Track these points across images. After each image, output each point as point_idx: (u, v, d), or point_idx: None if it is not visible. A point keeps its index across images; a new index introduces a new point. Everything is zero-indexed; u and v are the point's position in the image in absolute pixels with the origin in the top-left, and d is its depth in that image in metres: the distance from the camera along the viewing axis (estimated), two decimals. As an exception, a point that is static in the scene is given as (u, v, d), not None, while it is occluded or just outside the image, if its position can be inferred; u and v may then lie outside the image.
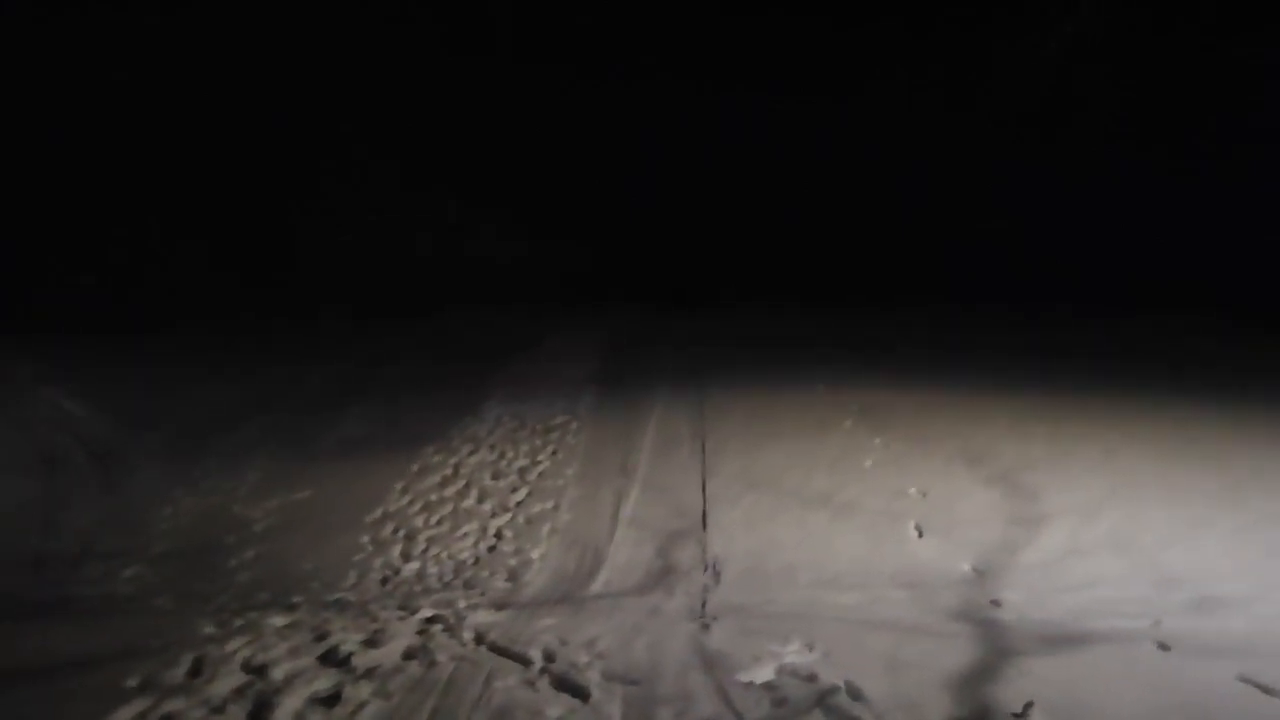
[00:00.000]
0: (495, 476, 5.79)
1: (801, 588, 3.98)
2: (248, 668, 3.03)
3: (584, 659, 3.08)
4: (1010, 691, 2.75)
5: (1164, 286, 9.98)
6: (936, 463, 5.34)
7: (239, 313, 11.21)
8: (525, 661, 3.08)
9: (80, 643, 3.31)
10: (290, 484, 5.82)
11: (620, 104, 12.61)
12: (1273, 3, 10.26)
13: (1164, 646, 3.09)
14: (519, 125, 12.82)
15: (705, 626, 3.38)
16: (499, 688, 2.86)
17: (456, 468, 5.98)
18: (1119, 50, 11.29)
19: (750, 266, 12.73)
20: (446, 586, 4.25)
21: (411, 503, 5.41)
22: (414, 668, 3.01)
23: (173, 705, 2.73)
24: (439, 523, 5.12)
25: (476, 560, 4.61)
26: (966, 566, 4.08)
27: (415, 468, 5.98)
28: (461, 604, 3.83)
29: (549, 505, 5.27)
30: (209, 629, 3.41)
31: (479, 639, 3.30)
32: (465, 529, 5.02)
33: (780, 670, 2.95)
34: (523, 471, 5.85)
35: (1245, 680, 2.80)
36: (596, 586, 4.10)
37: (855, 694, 2.77)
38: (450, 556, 4.67)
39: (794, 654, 3.06)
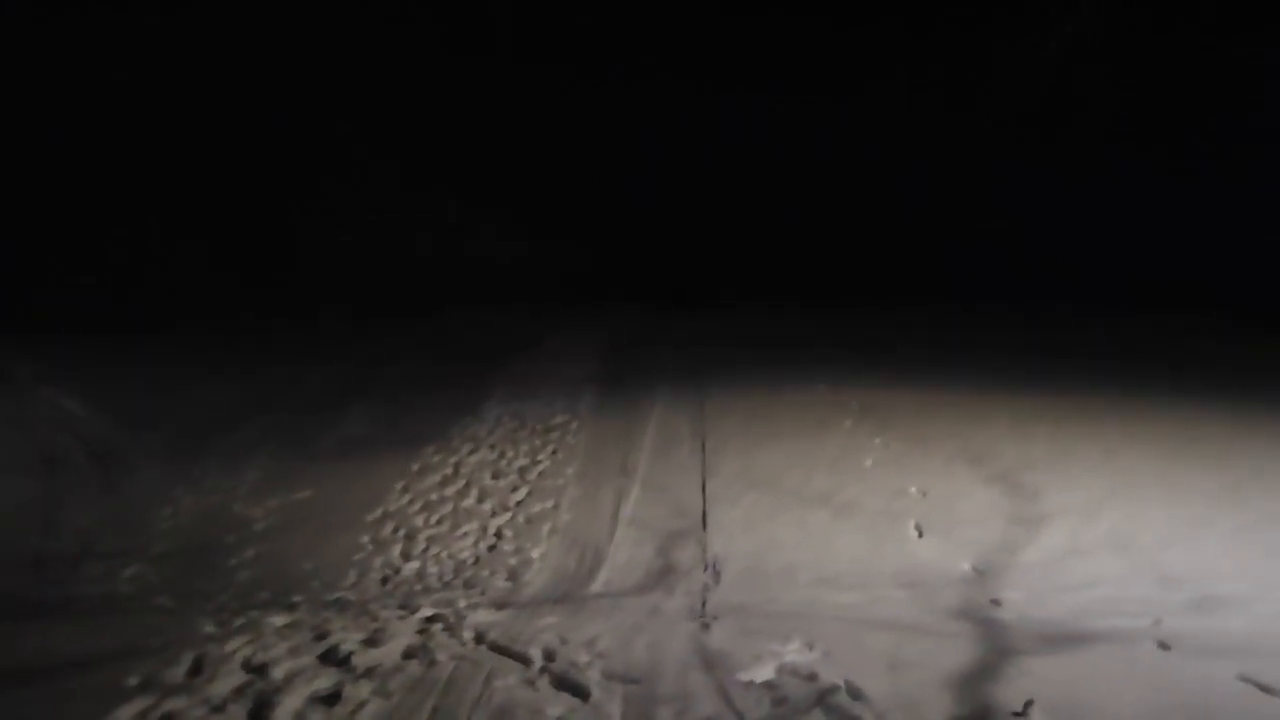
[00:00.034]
0: (495, 476, 5.79)
1: (802, 587, 3.98)
2: (248, 667, 3.03)
3: (584, 658, 3.08)
4: (1010, 691, 2.75)
5: (1164, 286, 9.97)
6: (937, 462, 5.34)
7: (239, 313, 11.21)
8: (525, 661, 3.08)
9: (80, 642, 3.31)
10: (290, 483, 5.82)
11: (620, 104, 12.60)
12: (1273, 3, 10.26)
13: (1164, 646, 3.09)
14: (519, 125, 12.81)
15: (705, 626, 3.38)
16: (499, 687, 2.86)
17: (456, 467, 5.98)
18: (1119, 50, 11.28)
19: (750, 266, 12.73)
20: (446, 586, 4.25)
21: (411, 502, 5.41)
22: (414, 667, 3.01)
23: (173, 704, 2.73)
24: (439, 522, 5.12)
25: (477, 560, 4.61)
26: (967, 566, 4.08)
27: (415, 467, 5.98)
28: (462, 603, 3.83)
29: (549, 505, 5.27)
30: (209, 628, 3.41)
31: (479, 638, 3.30)
32: (465, 528, 5.02)
33: (780, 669, 2.95)
34: (523, 471, 5.85)
35: (1245, 680, 2.80)
36: (596, 586, 4.11)
37: (855, 693, 2.77)
38: (450, 556, 4.68)
39: (794, 653, 3.06)
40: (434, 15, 12.48)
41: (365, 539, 4.91)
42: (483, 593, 4.07)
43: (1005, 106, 12.02)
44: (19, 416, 7.00)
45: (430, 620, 3.52)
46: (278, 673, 2.97)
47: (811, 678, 2.88)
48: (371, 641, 3.24)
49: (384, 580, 4.39)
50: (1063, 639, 3.17)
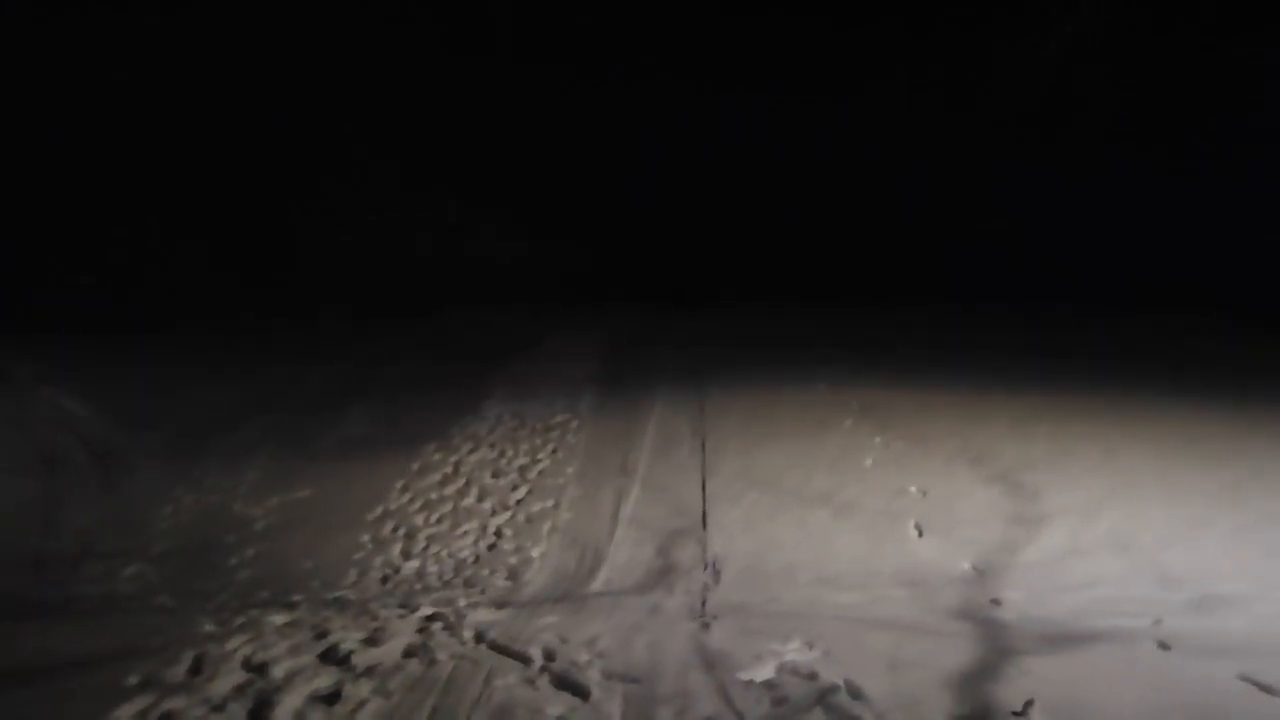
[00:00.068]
0: (495, 475, 5.80)
1: (802, 586, 3.98)
2: (248, 666, 3.03)
3: (584, 657, 3.08)
4: (1011, 690, 2.75)
5: (1164, 286, 9.96)
6: (937, 462, 5.34)
7: (239, 313, 11.21)
8: (525, 660, 3.08)
9: (81, 642, 3.31)
10: (290, 483, 5.83)
11: (620, 104, 12.60)
12: (1273, 3, 10.26)
13: (1164, 646, 3.09)
14: (519, 125, 12.81)
15: (705, 625, 3.38)
16: (499, 686, 2.86)
17: (456, 466, 5.98)
18: (1119, 50, 11.28)
19: (750, 266, 12.72)
20: (446, 585, 4.25)
21: (412, 501, 5.41)
22: (414, 666, 3.01)
23: (173, 703, 2.73)
24: (439, 521, 5.12)
25: (477, 559, 4.61)
26: (967, 565, 4.08)
27: (415, 466, 5.98)
28: (462, 602, 3.84)
29: (549, 504, 5.27)
30: (209, 627, 3.41)
31: (479, 637, 3.30)
32: (465, 527, 5.02)
33: (780, 669, 2.95)
34: (523, 470, 5.85)
35: (1246, 679, 2.80)
36: (597, 585, 4.11)
37: (855, 693, 2.77)
38: (450, 555, 4.68)
39: (794, 653, 3.06)
40: (434, 15, 12.47)
41: (365, 538, 4.91)
42: (483, 592, 4.07)
43: (1005, 106, 12.02)
44: (19, 416, 7.01)
45: (430, 619, 3.52)
46: (278, 672, 2.97)
47: (811, 677, 2.88)
48: (371, 640, 3.24)
49: (384, 579, 4.39)
50: (1063, 639, 3.17)
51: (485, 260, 13.03)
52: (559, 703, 2.75)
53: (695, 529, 4.71)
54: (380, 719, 2.67)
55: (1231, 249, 10.16)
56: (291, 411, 7.44)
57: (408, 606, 3.74)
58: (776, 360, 8.37)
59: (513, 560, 4.55)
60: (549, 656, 3.11)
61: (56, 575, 4.61)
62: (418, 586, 4.25)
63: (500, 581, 4.26)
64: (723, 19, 12.45)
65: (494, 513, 5.21)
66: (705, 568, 4.22)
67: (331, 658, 3.10)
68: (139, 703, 2.73)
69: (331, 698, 2.80)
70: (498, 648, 3.19)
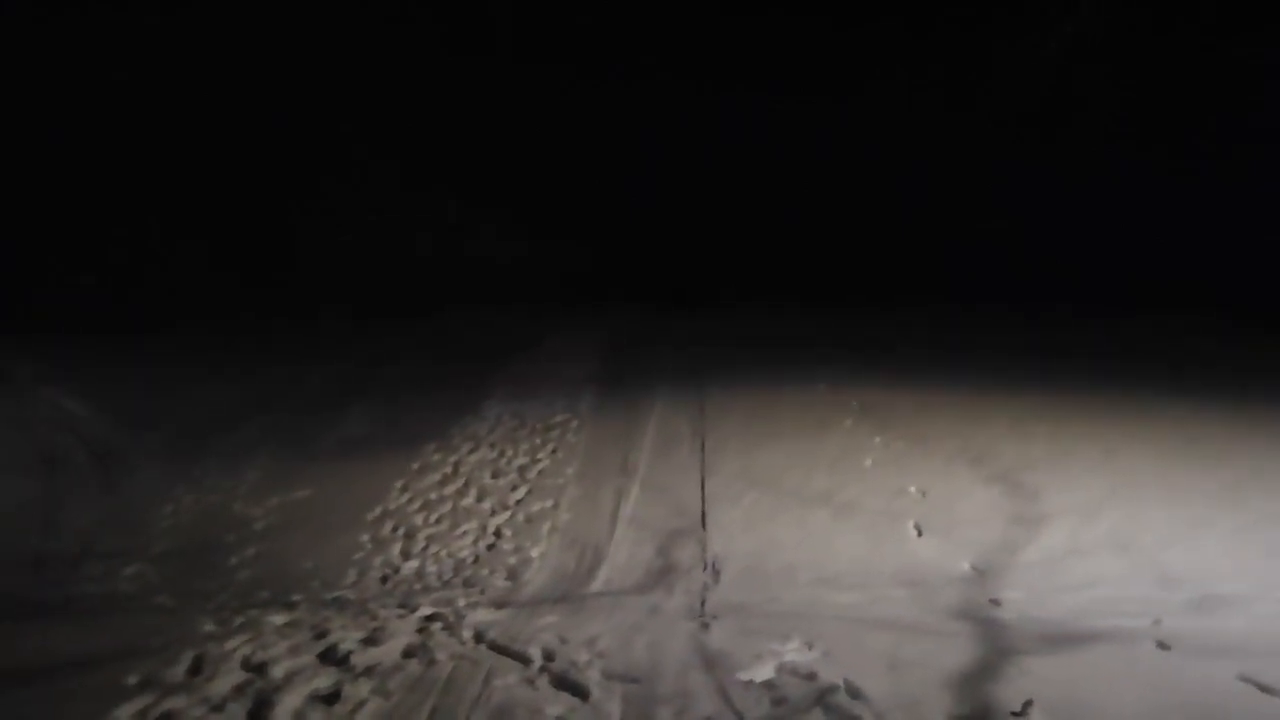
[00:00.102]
0: (495, 475, 5.79)
1: (801, 586, 3.98)
2: (248, 665, 3.03)
3: (584, 657, 3.08)
4: (1010, 690, 2.75)
5: (1164, 286, 9.96)
6: (936, 462, 5.34)
7: (239, 313, 11.21)
8: (525, 660, 3.08)
9: (81, 642, 3.31)
10: (290, 483, 5.83)
11: (620, 104, 12.59)
12: (1273, 3, 10.26)
13: (1164, 646, 3.09)
14: (519, 125, 12.81)
15: (705, 625, 3.38)
16: (498, 686, 2.86)
17: (456, 466, 5.98)
18: (1119, 50, 11.28)
19: (750, 266, 12.72)
20: (446, 585, 4.25)
21: (411, 501, 5.41)
22: (413, 666, 3.01)
23: (173, 703, 2.73)
24: (439, 521, 5.12)
25: (476, 559, 4.61)
26: (966, 565, 4.08)
27: (415, 466, 5.98)
28: (461, 602, 3.84)
29: (549, 504, 5.27)
30: (209, 627, 3.41)
31: (478, 637, 3.30)
32: (465, 527, 5.02)
33: (780, 669, 2.95)
34: (523, 470, 5.85)
35: (1245, 679, 2.80)
36: (596, 585, 4.11)
37: (855, 693, 2.77)
38: (450, 555, 4.68)
39: (794, 653, 3.06)
40: (434, 15, 12.47)
41: (365, 538, 4.91)
42: (482, 592, 4.07)
43: (1005, 106, 12.01)
44: (19, 416, 7.01)
45: (430, 619, 3.52)
46: (277, 671, 2.97)
47: (811, 677, 2.88)
48: (371, 640, 3.24)
49: (383, 579, 4.39)
50: (1063, 639, 3.17)
51: (485, 260, 13.03)
52: (558, 703, 2.75)
53: (695, 529, 4.71)
54: (379, 719, 2.67)
55: (1231, 249, 10.16)
56: (291, 411, 7.44)
57: (407, 606, 3.74)
58: (776, 360, 8.37)
59: (512, 560, 4.55)
60: (548, 656, 3.11)
61: (56, 575, 4.61)
62: (417, 586, 4.25)
63: (500, 581, 4.26)
64: (723, 19, 12.44)
65: (493, 513, 5.21)
66: (705, 568, 4.22)
67: (331, 658, 3.10)
68: (139, 702, 2.73)
69: (331, 698, 2.80)
70: (497, 648, 3.19)
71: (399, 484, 5.68)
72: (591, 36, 12.61)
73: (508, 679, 2.91)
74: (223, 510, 5.49)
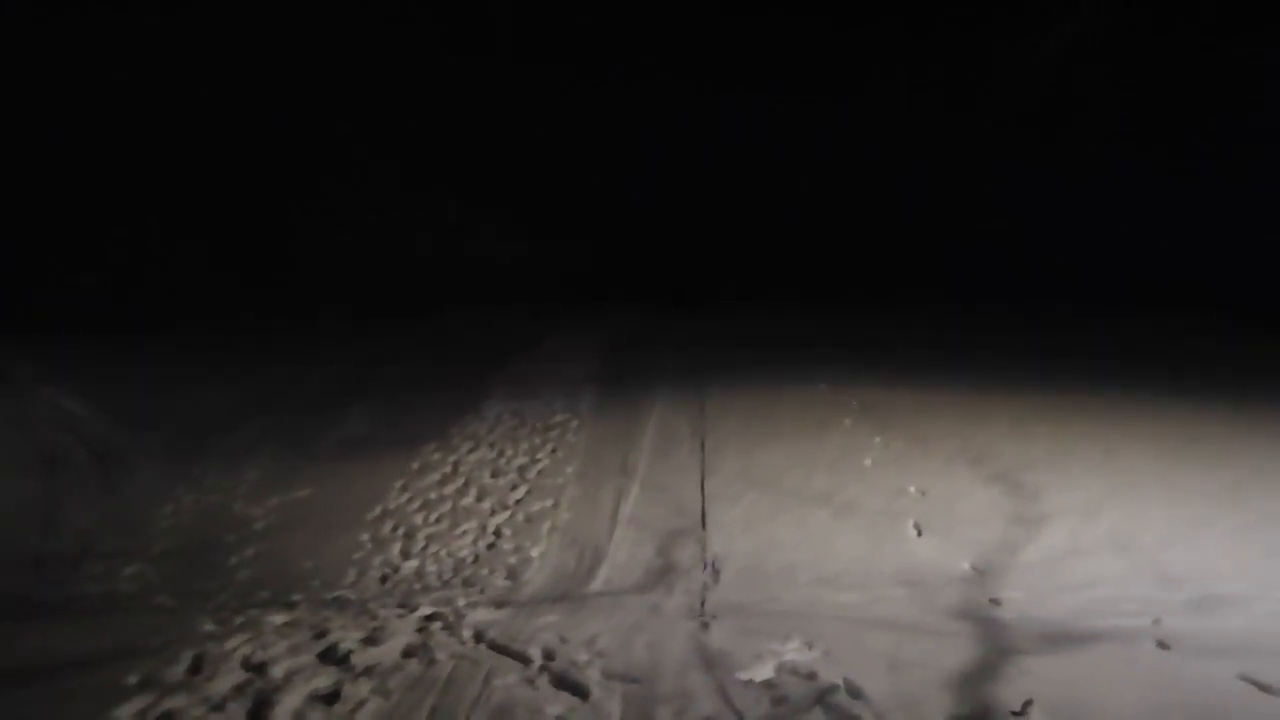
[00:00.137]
0: (495, 474, 5.79)
1: (801, 586, 3.98)
2: (247, 665, 3.03)
3: (584, 657, 3.08)
4: (1010, 690, 2.75)
5: (1164, 286, 9.96)
6: (936, 462, 5.34)
7: (239, 313, 11.21)
8: (525, 660, 3.08)
9: (81, 642, 3.31)
10: (290, 483, 5.82)
11: (620, 104, 12.60)
12: (1273, 3, 10.26)
13: (1164, 645, 3.09)
14: (519, 125, 12.81)
15: (705, 625, 3.38)
16: (498, 686, 2.86)
17: (456, 466, 5.98)
18: (1119, 50, 11.28)
19: (750, 266, 12.72)
20: (446, 584, 4.25)
21: (411, 501, 5.41)
22: (413, 666, 3.01)
23: (173, 703, 2.73)
24: (438, 521, 5.12)
25: (476, 558, 4.61)
26: (966, 565, 4.08)
27: (415, 466, 5.98)
28: (461, 602, 3.83)
29: (549, 503, 5.27)
30: (209, 627, 3.41)
31: (478, 637, 3.30)
32: (465, 527, 5.02)
33: (780, 669, 2.95)
34: (522, 470, 5.85)
35: (1245, 679, 2.80)
36: (596, 585, 4.10)
37: (855, 692, 2.77)
38: (450, 554, 4.68)
39: (794, 652, 3.06)
40: (434, 15, 12.48)
41: (365, 537, 4.91)
42: (482, 591, 4.07)
43: (1005, 106, 12.01)
44: (19, 416, 7.01)
45: (429, 619, 3.52)
46: (277, 671, 2.97)
47: (811, 677, 2.88)
48: (371, 640, 3.24)
49: (383, 579, 4.39)
50: (1063, 639, 3.17)
51: (485, 260, 13.03)
52: (558, 702, 2.75)
53: (695, 529, 4.71)
54: (379, 719, 2.67)
55: (1231, 249, 10.16)
56: (291, 411, 7.44)
57: (407, 606, 3.74)
58: (776, 360, 8.37)
59: (512, 560, 4.55)
60: (548, 656, 3.11)
61: (56, 575, 4.61)
62: (417, 586, 4.25)
63: (499, 581, 4.26)
64: (723, 19, 12.45)
65: (493, 512, 5.21)
66: (705, 567, 4.22)
67: (331, 657, 3.10)
68: (139, 702, 2.73)
69: (331, 697, 2.80)
70: (497, 647, 3.19)
71: (399, 484, 5.68)
72: (591, 36, 12.61)
73: (508, 678, 2.91)
74: (223, 510, 5.49)
